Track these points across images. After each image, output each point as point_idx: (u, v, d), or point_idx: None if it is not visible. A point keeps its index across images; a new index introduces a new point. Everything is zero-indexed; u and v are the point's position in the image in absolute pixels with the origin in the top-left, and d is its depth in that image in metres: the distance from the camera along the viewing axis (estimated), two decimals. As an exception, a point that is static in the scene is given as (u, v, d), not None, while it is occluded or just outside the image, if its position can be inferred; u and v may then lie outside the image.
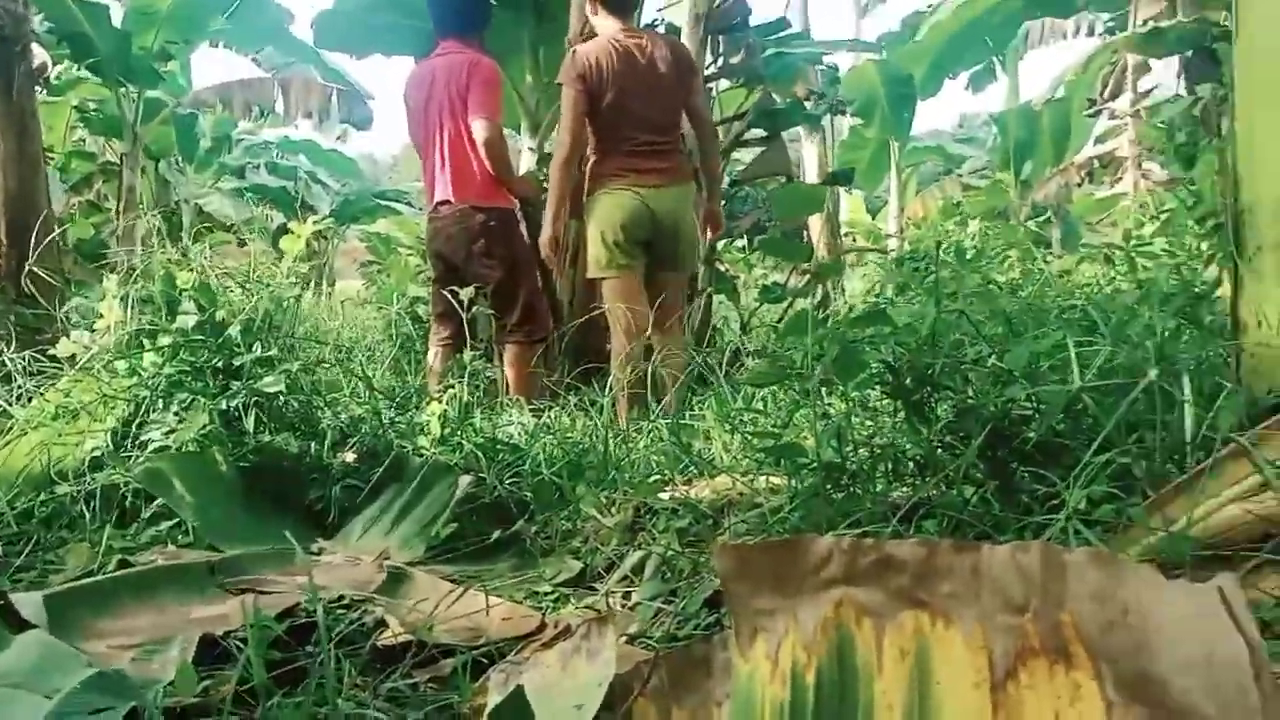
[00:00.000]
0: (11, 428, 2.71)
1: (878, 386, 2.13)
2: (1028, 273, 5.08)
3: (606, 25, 4.11)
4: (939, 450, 2.08)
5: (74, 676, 1.55)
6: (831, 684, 1.15)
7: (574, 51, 4.06)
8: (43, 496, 2.40)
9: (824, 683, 1.15)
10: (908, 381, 2.08)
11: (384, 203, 16.36)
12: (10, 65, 4.86)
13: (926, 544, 1.17)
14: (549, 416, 3.37)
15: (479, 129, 4.15)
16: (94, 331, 2.78)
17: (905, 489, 2.13)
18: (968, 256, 3.53)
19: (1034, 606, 1.07)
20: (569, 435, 3.10)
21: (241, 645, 1.67)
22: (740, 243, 6.91)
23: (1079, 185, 13.35)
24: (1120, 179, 12.37)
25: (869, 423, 2.19)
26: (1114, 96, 12.35)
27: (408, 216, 15.44)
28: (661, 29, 5.62)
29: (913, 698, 1.10)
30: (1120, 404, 1.67)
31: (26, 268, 3.87)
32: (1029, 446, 1.90)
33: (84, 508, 2.37)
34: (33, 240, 4.38)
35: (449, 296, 3.82)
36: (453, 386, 3.12)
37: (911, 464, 2.14)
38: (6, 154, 4.80)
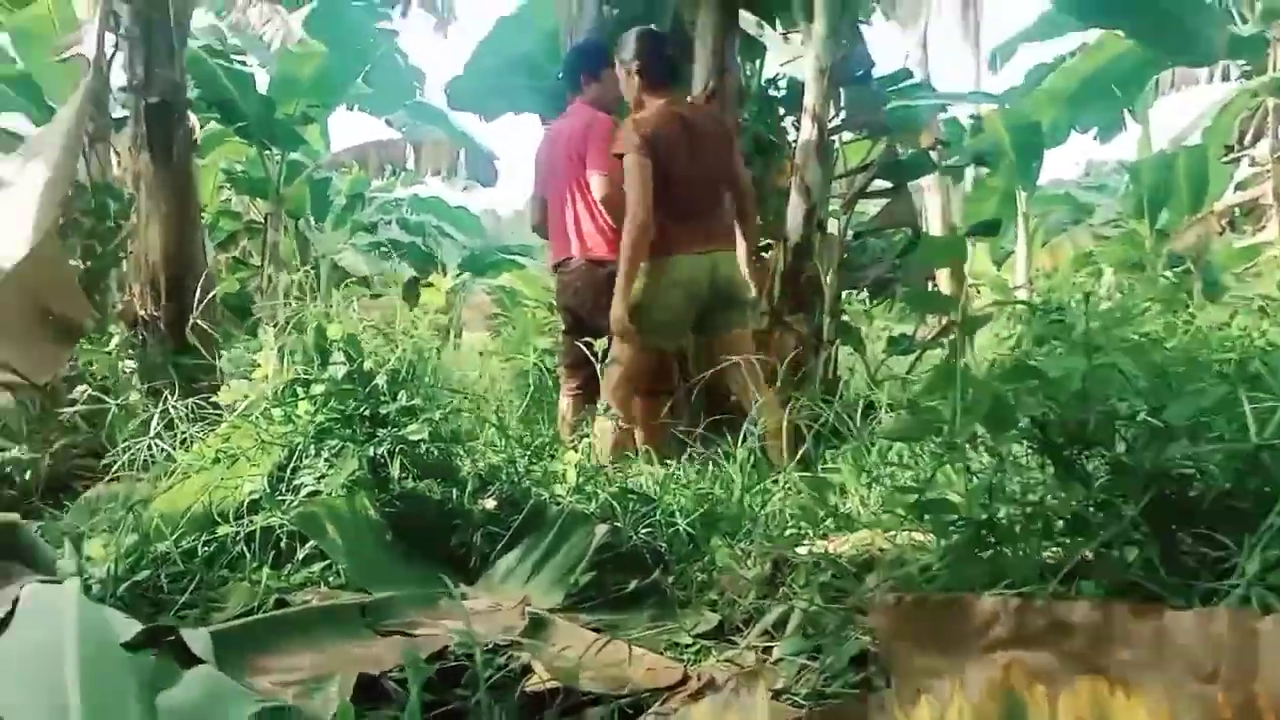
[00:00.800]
0: (175, 471, 2.86)
1: (1025, 442, 2.08)
2: (1170, 326, 4.88)
3: (654, 101, 4.23)
4: (1092, 509, 2.01)
5: (242, 711, 1.62)
6: (1003, 749, 1.11)
7: (633, 120, 4.14)
8: (205, 537, 2.52)
9: (996, 747, 1.12)
10: (1057, 438, 2.02)
11: (508, 256, 16.76)
12: (170, 130, 5.18)
13: (1101, 607, 1.14)
14: (678, 467, 3.38)
15: (596, 185, 4.27)
16: (251, 380, 2.93)
17: (1057, 549, 2.07)
18: (1109, 308, 3.42)
19: (1224, 676, 1.03)
20: (700, 486, 3.10)
21: (397, 686, 1.72)
22: (862, 295, 6.85)
23: (1219, 234, 12.80)
24: (1264, 227, 11.82)
25: (1017, 480, 2.13)
26: (1254, 142, 11.84)
27: (531, 270, 15.78)
28: (784, 84, 5.66)
29: (1091, 766, 1.06)
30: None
31: (191, 320, 4.10)
32: (1194, 508, 1.82)
33: (244, 548, 2.48)
34: (194, 295, 4.63)
35: (583, 347, 3.89)
36: (586, 435, 3.16)
37: (1062, 523, 2.08)
38: (168, 213, 5.11)
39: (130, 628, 1.91)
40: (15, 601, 1.87)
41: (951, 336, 4.96)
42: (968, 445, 2.06)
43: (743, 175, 4.55)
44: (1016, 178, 12.06)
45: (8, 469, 3.66)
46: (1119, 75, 10.94)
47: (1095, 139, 12.72)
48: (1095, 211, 17.70)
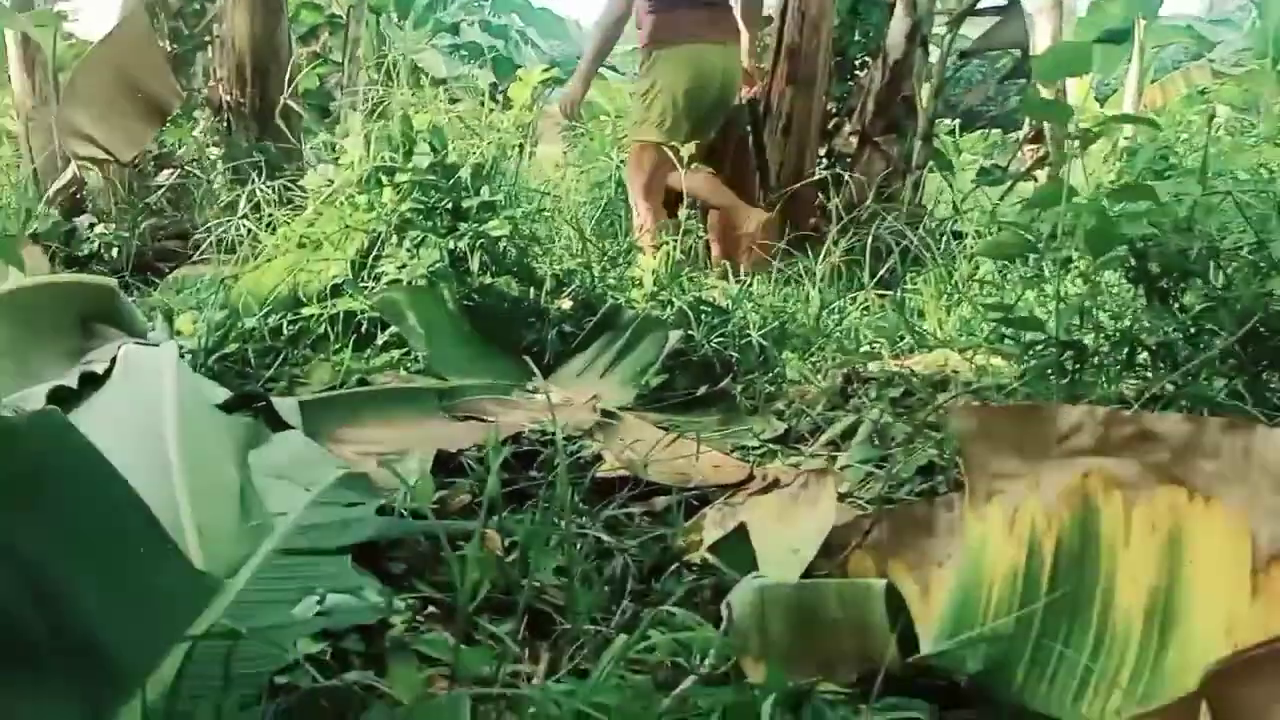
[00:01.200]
0: (261, 253, 2.92)
1: (1121, 269, 2.01)
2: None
3: None
4: (1181, 341, 1.96)
5: (328, 473, 1.70)
6: (1072, 552, 1.12)
7: None
8: (290, 316, 2.59)
9: (1064, 550, 1.12)
10: (1155, 266, 1.95)
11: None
12: (257, -88, 5.02)
13: (1192, 420, 1.12)
14: (754, 282, 3.36)
15: None
16: (337, 166, 2.94)
17: (1138, 381, 2.03)
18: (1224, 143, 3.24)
19: (1311, 493, 1.01)
20: (775, 302, 3.08)
21: (474, 464, 1.78)
22: (952, 124, 6.56)
23: (1349, 78, 11.91)
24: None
25: (1109, 307, 2.07)
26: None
27: (611, 81, 15.39)
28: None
29: (1161, 574, 1.06)
30: None
31: (280, 102, 4.10)
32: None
33: (327, 329, 2.54)
34: (279, 82, 4.60)
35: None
36: (666, 243, 3.14)
37: (1148, 353, 2.03)
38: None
39: (221, 394, 2.00)
40: (114, 360, 1.95)
41: (1046, 168, 4.75)
42: (1060, 270, 2.00)
43: None
44: (1136, 4, 11.25)
45: (98, 245, 3.76)
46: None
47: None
48: (1216, 48, 16.55)
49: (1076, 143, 1.72)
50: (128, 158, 3.88)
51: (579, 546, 1.50)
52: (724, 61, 4.05)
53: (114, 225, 3.95)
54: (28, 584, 1.04)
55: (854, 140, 4.86)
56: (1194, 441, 1.07)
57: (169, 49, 4.67)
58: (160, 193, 4.26)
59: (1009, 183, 5.07)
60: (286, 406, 1.92)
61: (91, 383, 1.88)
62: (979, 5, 5.15)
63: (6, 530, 1.05)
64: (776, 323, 2.80)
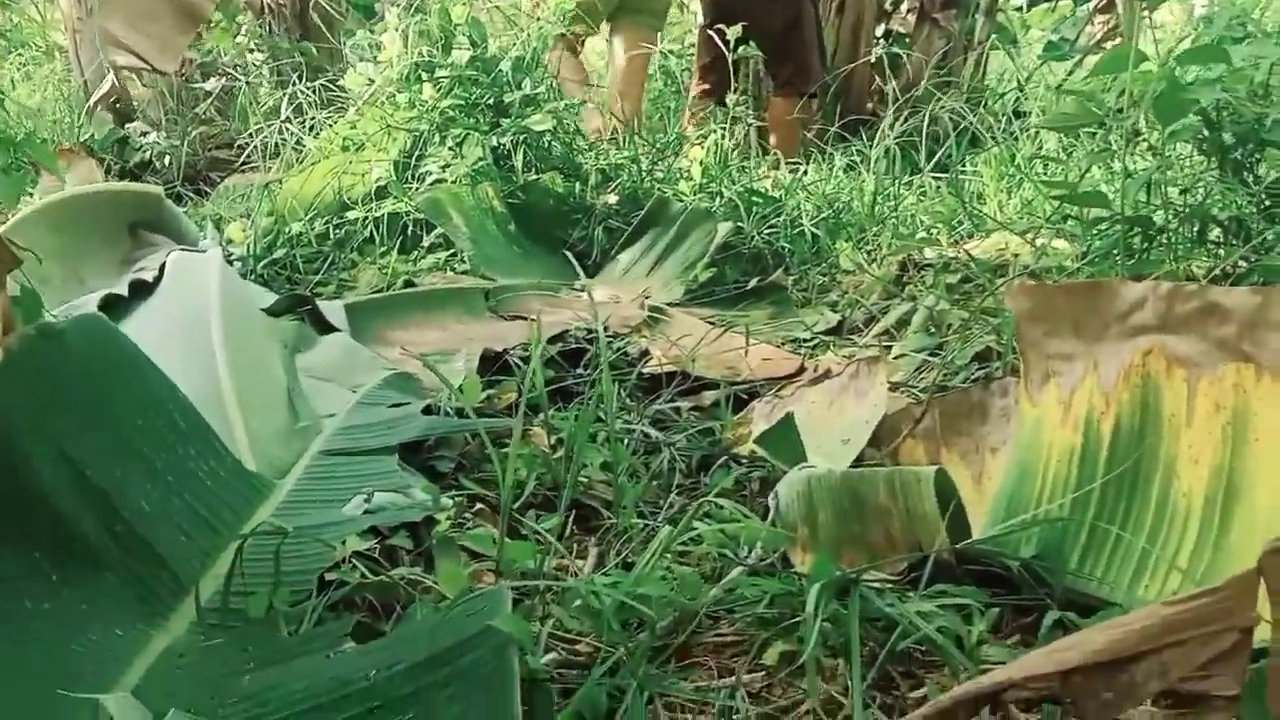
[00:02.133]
0: (305, 157, 2.90)
1: (1193, 141, 1.90)
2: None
3: None
4: (1257, 215, 1.86)
5: (374, 374, 1.70)
6: (1131, 433, 1.08)
7: None
8: (336, 220, 2.58)
9: (1122, 431, 1.08)
10: (1229, 136, 1.84)
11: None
12: None
13: (1261, 291, 1.05)
14: (806, 172, 3.26)
15: None
16: (377, 64, 2.88)
17: (1209, 259, 1.94)
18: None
19: (1388, 367, 0.95)
20: (828, 189, 2.99)
21: (520, 363, 1.77)
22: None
23: None
24: None
25: (1178, 181, 1.96)
26: None
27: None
28: None
29: (1224, 454, 1.01)
30: None
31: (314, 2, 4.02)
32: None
33: (373, 232, 2.53)
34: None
35: (713, 34, 3.66)
36: (715, 132, 3.05)
37: (1220, 230, 1.93)
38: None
39: (269, 298, 2.01)
40: (162, 267, 1.97)
41: (1119, 38, 4.51)
42: (1128, 142, 1.90)
43: None
44: None
45: (149, 155, 3.77)
46: None
47: None
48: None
49: (1144, 5, 1.60)
50: (168, 67, 3.85)
51: (625, 442, 1.49)
52: None
53: (164, 135, 3.95)
54: (82, 487, 1.06)
55: (912, 18, 4.65)
56: (1262, 314, 1.01)
57: (209, -46, 4.58)
58: (209, 102, 4.24)
59: (1078, 57, 4.84)
60: (332, 309, 1.93)
61: (142, 290, 1.90)
62: None
63: (58, 435, 1.06)
64: (830, 211, 2.72)
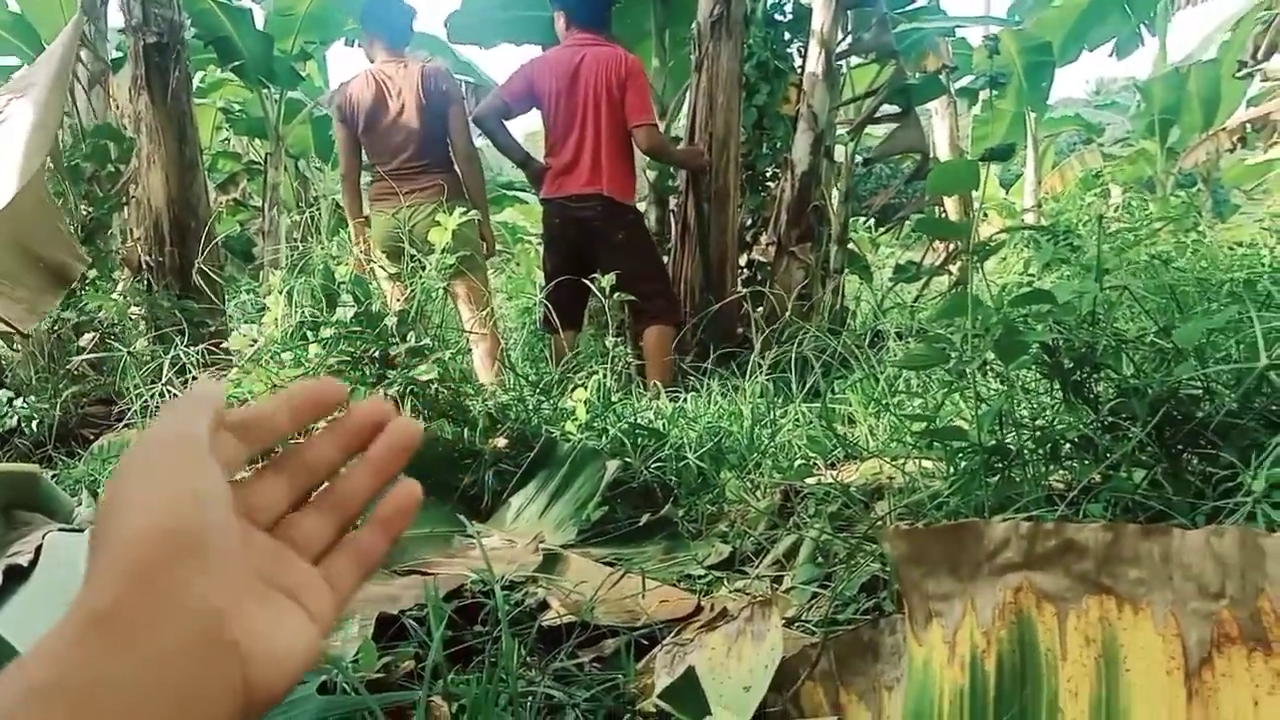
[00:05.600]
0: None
1: (1036, 367, 2.07)
2: (1180, 245, 4.84)
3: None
4: (1101, 432, 2.02)
5: (266, 650, 1.65)
6: (1013, 670, 1.13)
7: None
8: (220, 481, 2.53)
9: (1005, 669, 1.14)
10: (1067, 362, 2.02)
11: (509, 193, 16.63)
12: (167, 71, 5.10)
13: (1111, 528, 1.15)
14: (686, 401, 3.39)
15: (643, 136, 4.35)
16: (260, 325, 2.93)
17: (1065, 473, 2.08)
18: (1119, 229, 3.40)
19: (1231, 592, 1.04)
20: (708, 420, 3.11)
21: (415, 624, 1.75)
22: (868, 222, 6.80)
23: (1230, 151, 12.63)
24: (1275, 143, 11.65)
25: (1027, 405, 2.13)
26: (1267, 56, 11.61)
27: (533, 206, 15.66)
28: (790, 7, 5.56)
29: (1100, 686, 1.08)
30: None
31: (196, 265, 4.09)
32: (1201, 428, 1.83)
33: (259, 491, 2.49)
34: (198, 239, 4.61)
35: (589, 284, 3.89)
36: (596, 372, 3.17)
37: (1070, 446, 2.08)
38: (167, 157, 5.06)
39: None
40: (38, 550, 1.89)
41: (959, 263, 4.93)
42: (977, 372, 2.07)
43: None
44: (1026, 99, 11.88)
45: (17, 420, 3.68)
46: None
47: (1112, 55, 12.51)
48: (1105, 131, 17.47)
49: (975, 257, 1.79)
50: (28, 329, 3.82)
51: (529, 703, 1.47)
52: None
53: (34, 397, 3.87)
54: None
55: (772, 250, 5.00)
56: (1115, 549, 1.10)
57: (84, 214, 4.66)
58: (81, 359, 4.20)
59: (924, 279, 5.25)
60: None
61: (17, 576, 1.82)
62: (877, 114, 5.41)
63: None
64: (712, 442, 2.82)
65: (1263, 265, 3.52)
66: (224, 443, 0.49)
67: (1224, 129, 12.26)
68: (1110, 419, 2.03)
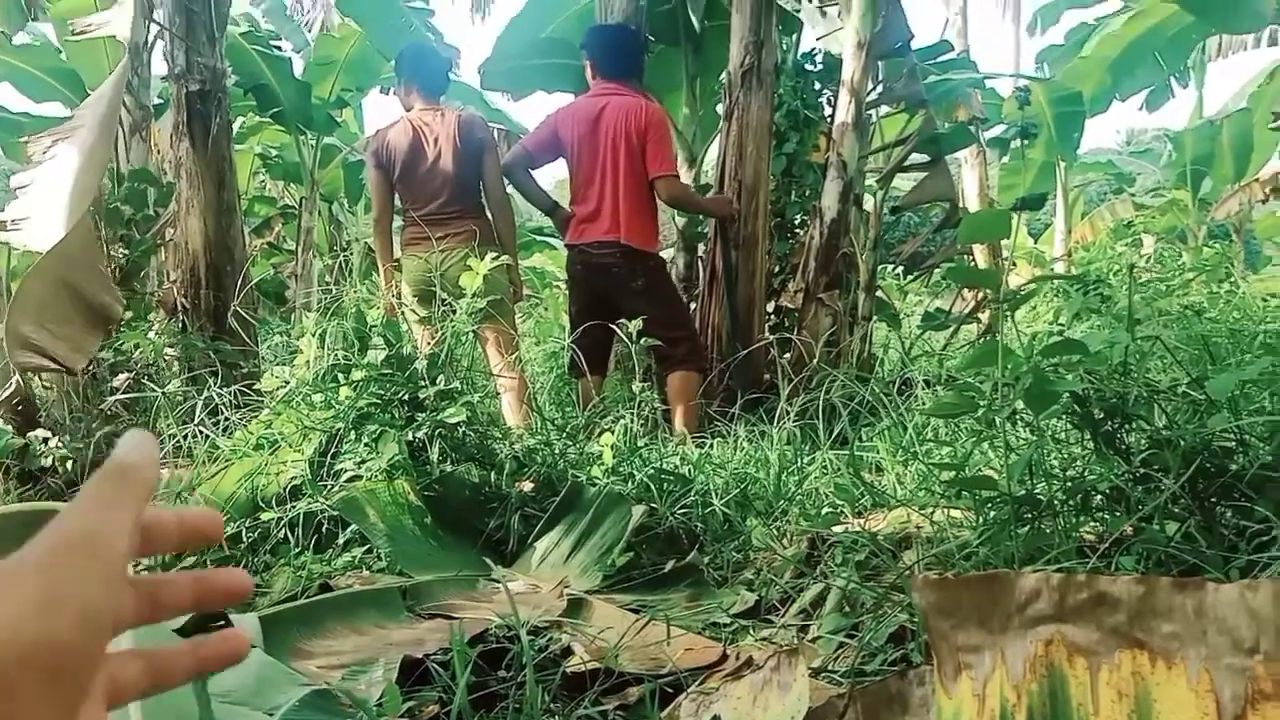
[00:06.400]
0: (219, 457, 2.91)
1: (1066, 417, 2.06)
2: (1213, 297, 4.80)
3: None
4: (1133, 484, 2.00)
5: (292, 694, 1.65)
6: (1044, 724, 1.11)
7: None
8: (249, 522, 2.56)
9: (1036, 722, 1.12)
10: (1098, 412, 2.00)
11: (539, 238, 16.79)
12: (209, 118, 5.22)
13: (1144, 581, 1.13)
14: (713, 447, 3.39)
15: (664, 188, 4.39)
16: (292, 367, 2.96)
17: (1096, 525, 2.05)
18: (1150, 279, 3.38)
19: (1265, 648, 1.02)
20: (736, 466, 3.10)
21: (439, 668, 1.75)
22: (897, 270, 6.80)
23: (1263, 202, 12.56)
24: (1309, 195, 11.59)
25: (1057, 455, 2.11)
26: (1301, 108, 11.58)
27: (561, 251, 15.77)
28: (820, 57, 5.61)
29: (1133, 741, 1.06)
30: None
31: (232, 307, 4.15)
32: (1234, 480, 1.80)
33: (287, 532, 2.52)
34: (234, 281, 4.69)
35: (615, 329, 3.90)
36: (622, 417, 3.17)
37: (1101, 498, 2.06)
38: (205, 202, 5.16)
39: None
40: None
41: (988, 311, 4.91)
42: (1007, 421, 2.05)
43: None
44: (1056, 148, 11.88)
45: (52, 460, 3.73)
46: (1162, 42, 10.71)
47: (1142, 108, 12.51)
48: (1136, 180, 17.41)
49: (1005, 305, 1.79)
50: (76, 368, 3.89)
51: (552, 752, 1.47)
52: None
53: (68, 437, 3.92)
54: None
55: (800, 297, 5.01)
56: (1148, 603, 1.09)
57: (122, 256, 4.75)
58: (115, 399, 4.25)
59: (953, 327, 5.23)
60: (247, 623, 1.88)
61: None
62: (906, 163, 5.43)
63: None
64: (738, 489, 2.81)
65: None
66: (130, 539, 0.45)
67: (1256, 180, 12.20)
68: (1142, 470, 2.01)
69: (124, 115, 5.88)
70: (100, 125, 4.25)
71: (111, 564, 0.42)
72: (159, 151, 6.35)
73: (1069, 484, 1.94)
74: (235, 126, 10.68)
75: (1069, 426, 2.18)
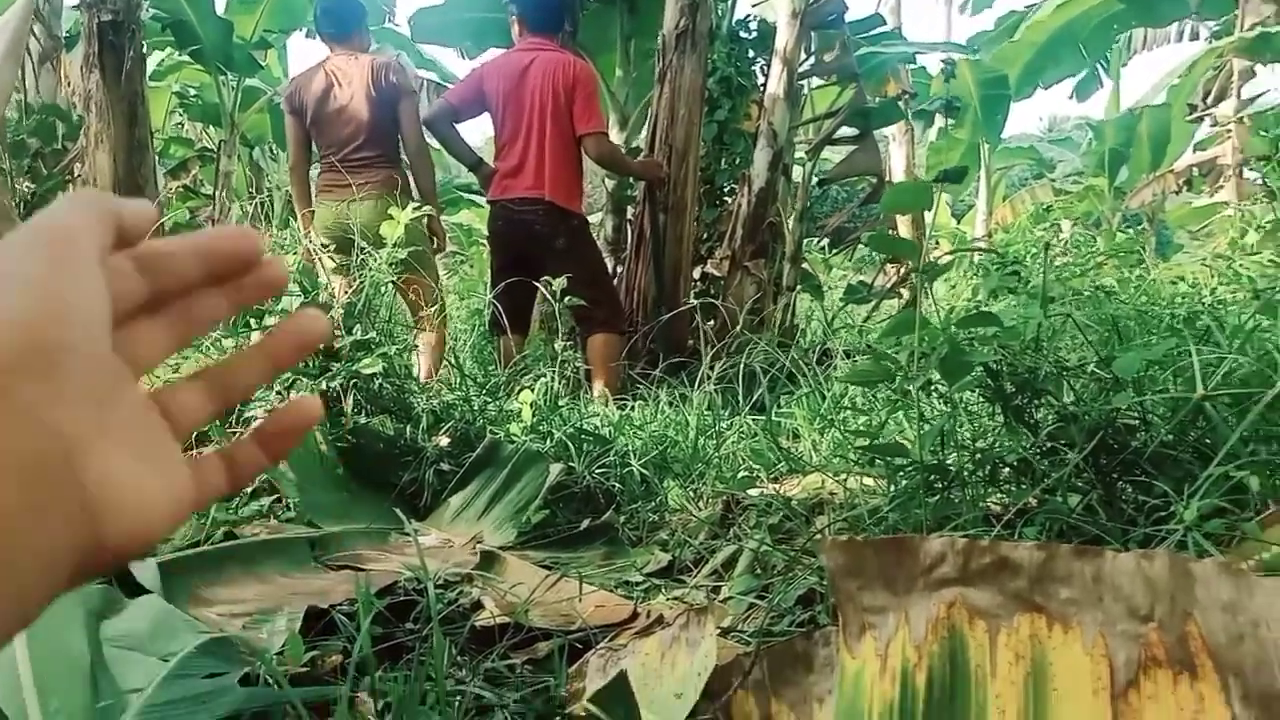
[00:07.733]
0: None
1: (979, 389, 2.10)
2: (1124, 281, 4.93)
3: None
4: (1040, 457, 2.05)
5: (188, 641, 1.61)
6: (943, 685, 1.14)
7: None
8: (153, 468, 2.47)
9: (935, 683, 1.14)
10: (1009, 386, 2.04)
11: (466, 195, 16.55)
12: (121, 50, 5.00)
13: (1045, 547, 1.16)
14: (633, 408, 3.39)
15: (592, 145, 4.34)
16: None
17: (1003, 495, 2.10)
18: (1066, 262, 3.45)
19: (1159, 616, 1.05)
20: (654, 428, 3.11)
21: (345, 619, 1.72)
22: (821, 243, 6.86)
23: (1176, 193, 12.96)
24: (1221, 187, 11.97)
25: (969, 426, 2.15)
26: (1217, 102, 11.94)
27: (487, 208, 15.56)
28: (755, 24, 5.60)
29: (1027, 703, 1.08)
30: (1240, 415, 1.62)
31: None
32: (1136, 457, 1.86)
33: (192, 479, 2.44)
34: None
35: (539, 286, 3.87)
36: (543, 376, 3.15)
37: (1009, 470, 2.11)
38: (116, 137, 4.96)
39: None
40: None
41: (909, 285, 4.99)
42: (922, 391, 2.08)
43: None
44: (981, 129, 12.09)
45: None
46: (1086, 31, 10.94)
47: (1072, 96, 12.78)
48: (1056, 167, 17.83)
49: (925, 276, 1.81)
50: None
51: (457, 704, 1.45)
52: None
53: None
54: None
55: (726, 264, 5.02)
56: (1048, 569, 1.11)
57: (27, 190, 4.55)
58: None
59: (874, 301, 5.30)
60: (144, 569, 1.83)
61: None
62: (836, 135, 5.46)
63: None
64: (657, 450, 2.81)
65: (1203, 303, 3.60)
66: (118, 265, 0.41)
67: (1171, 170, 12.58)
68: (1049, 444, 2.05)
69: (32, 44, 5.62)
70: (6, 53, 4.05)
71: (79, 247, 0.38)
72: (69, 84, 6.07)
73: (979, 455, 1.98)
74: (152, 64, 10.28)
75: (981, 399, 2.22)
